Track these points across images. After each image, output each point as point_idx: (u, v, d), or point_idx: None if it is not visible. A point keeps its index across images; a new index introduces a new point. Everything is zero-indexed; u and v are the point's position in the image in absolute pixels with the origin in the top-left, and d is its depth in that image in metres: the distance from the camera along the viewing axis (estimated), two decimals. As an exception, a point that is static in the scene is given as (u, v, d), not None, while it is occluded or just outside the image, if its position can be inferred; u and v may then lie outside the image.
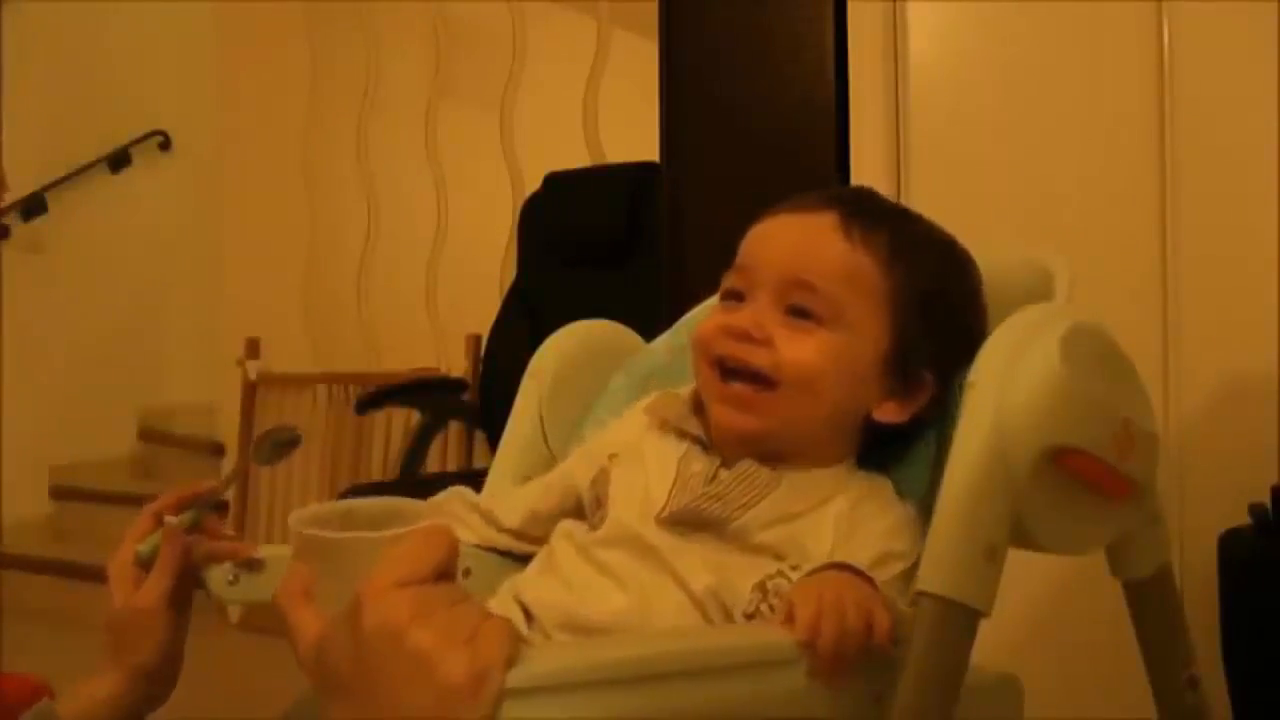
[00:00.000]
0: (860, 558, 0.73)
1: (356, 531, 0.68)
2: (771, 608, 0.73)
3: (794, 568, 0.74)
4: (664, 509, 0.77)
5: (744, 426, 0.79)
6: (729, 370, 0.80)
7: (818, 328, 0.78)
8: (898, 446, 0.85)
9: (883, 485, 0.81)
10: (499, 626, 0.58)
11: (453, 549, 0.61)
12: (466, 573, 0.89)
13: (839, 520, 0.76)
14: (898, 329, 0.80)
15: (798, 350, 0.78)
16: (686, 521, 0.77)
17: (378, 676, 0.56)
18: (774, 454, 0.79)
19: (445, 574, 0.60)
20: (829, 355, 0.78)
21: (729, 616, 0.74)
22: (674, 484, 0.79)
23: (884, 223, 0.82)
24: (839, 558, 0.73)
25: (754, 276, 0.81)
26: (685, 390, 0.87)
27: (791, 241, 0.81)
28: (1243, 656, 1.21)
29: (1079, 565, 0.85)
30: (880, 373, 0.80)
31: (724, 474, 0.79)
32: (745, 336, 0.79)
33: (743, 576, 0.74)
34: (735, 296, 0.82)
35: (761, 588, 0.73)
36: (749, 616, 0.73)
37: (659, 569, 0.75)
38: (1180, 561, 1.33)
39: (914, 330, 0.80)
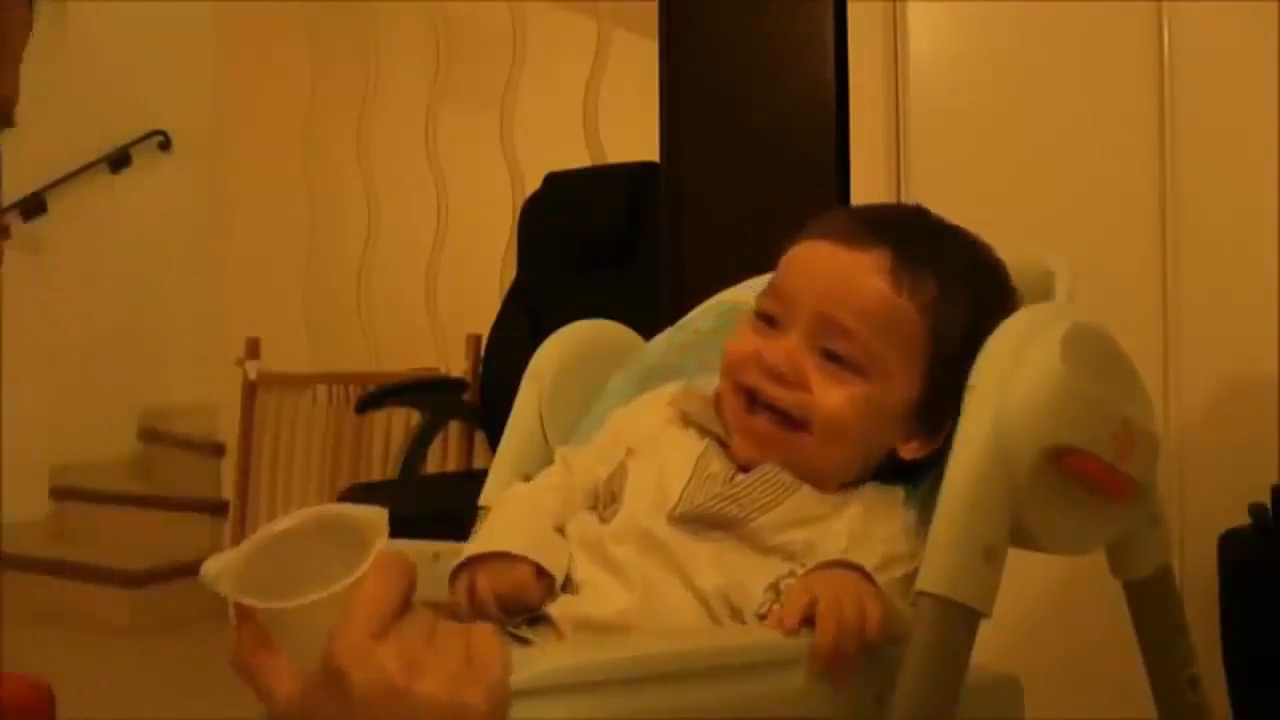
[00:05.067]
0: (868, 560, 0.72)
1: (294, 554, 0.63)
2: None
3: (805, 568, 0.73)
4: (677, 506, 0.77)
5: (762, 460, 0.78)
6: (756, 402, 0.79)
7: (851, 375, 0.77)
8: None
9: (895, 491, 0.80)
10: (485, 636, 0.58)
11: (411, 575, 0.60)
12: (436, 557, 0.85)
13: (853, 522, 0.75)
14: (931, 378, 0.78)
15: (830, 398, 0.76)
16: (700, 520, 0.76)
17: None
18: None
19: (407, 602, 0.59)
20: (860, 405, 0.77)
21: (738, 617, 0.73)
22: (690, 481, 0.78)
23: (932, 263, 0.79)
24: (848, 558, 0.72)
25: (791, 306, 0.79)
26: (710, 389, 0.86)
27: (834, 278, 0.79)
28: (1243, 656, 1.21)
29: (1079, 565, 0.85)
30: (909, 417, 0.79)
31: (742, 477, 0.78)
32: (779, 376, 0.78)
33: (755, 577, 0.73)
34: (769, 320, 0.81)
35: (775, 588, 0.72)
36: (762, 617, 0.72)
37: (667, 566, 0.74)
38: (1180, 561, 1.33)
39: (946, 379, 0.77)
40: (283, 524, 0.65)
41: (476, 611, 0.75)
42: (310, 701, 0.58)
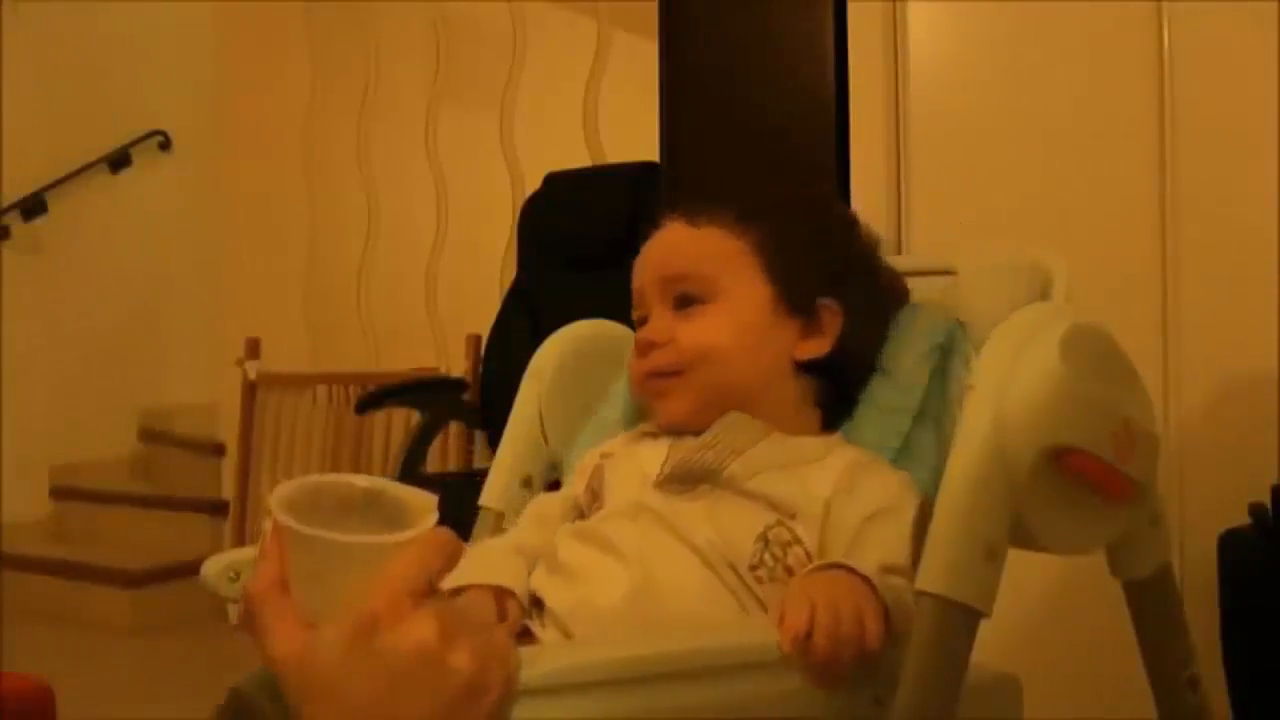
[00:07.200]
0: (862, 512, 0.76)
1: (331, 513, 0.63)
2: (774, 557, 0.75)
3: (791, 517, 0.76)
4: (660, 474, 0.80)
5: (678, 409, 0.84)
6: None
7: (703, 307, 0.85)
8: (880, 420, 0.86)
9: (878, 454, 0.84)
10: (503, 634, 0.60)
11: (456, 555, 0.60)
12: None
13: (840, 474, 0.79)
14: (771, 273, 0.86)
15: (690, 334, 0.85)
16: (683, 477, 0.79)
17: (405, 693, 0.55)
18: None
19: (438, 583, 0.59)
20: (717, 324, 0.84)
21: (734, 570, 0.75)
22: (667, 457, 0.81)
23: (728, 202, 0.89)
24: (839, 509, 0.76)
25: (644, 296, 0.89)
26: None
27: (654, 252, 0.90)
28: (1243, 656, 1.21)
29: (1079, 565, 0.85)
30: (778, 316, 0.85)
31: (713, 427, 0.82)
32: (651, 346, 0.86)
33: (742, 528, 0.76)
34: (641, 322, 0.90)
35: (764, 538, 0.76)
36: (754, 568, 0.75)
37: (659, 528, 0.77)
38: (1180, 561, 1.33)
39: (787, 268, 0.86)
40: (335, 477, 0.66)
41: None
42: (315, 648, 0.57)
